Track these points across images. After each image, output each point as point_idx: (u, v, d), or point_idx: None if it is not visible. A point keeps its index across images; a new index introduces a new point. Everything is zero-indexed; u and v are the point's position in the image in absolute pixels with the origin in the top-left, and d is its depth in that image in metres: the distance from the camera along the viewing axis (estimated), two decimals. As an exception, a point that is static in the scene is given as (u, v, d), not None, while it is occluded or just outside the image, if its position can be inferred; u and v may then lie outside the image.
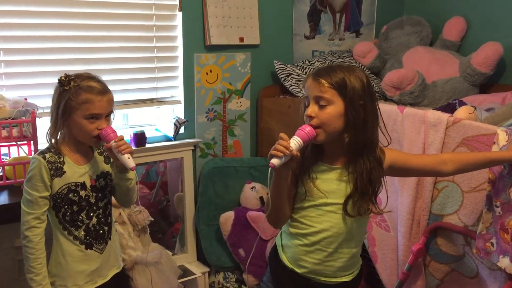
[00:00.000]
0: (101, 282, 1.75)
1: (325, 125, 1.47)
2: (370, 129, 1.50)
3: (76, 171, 1.67)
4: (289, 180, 1.55)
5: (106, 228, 1.75)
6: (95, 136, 1.63)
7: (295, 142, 1.42)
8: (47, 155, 1.63)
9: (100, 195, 1.73)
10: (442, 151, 1.94)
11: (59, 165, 1.64)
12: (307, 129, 1.45)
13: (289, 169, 1.48)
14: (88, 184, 1.70)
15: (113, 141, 1.61)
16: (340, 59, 3.12)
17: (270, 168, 1.43)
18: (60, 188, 1.64)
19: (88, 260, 1.70)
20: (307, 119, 1.49)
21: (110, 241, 1.77)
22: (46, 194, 1.63)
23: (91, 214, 1.71)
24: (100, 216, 1.73)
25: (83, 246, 1.69)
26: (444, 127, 1.93)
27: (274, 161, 1.41)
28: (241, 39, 2.83)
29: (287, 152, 1.39)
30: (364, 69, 3.06)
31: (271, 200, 1.51)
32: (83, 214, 1.69)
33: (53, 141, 1.66)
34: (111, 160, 1.76)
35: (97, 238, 1.72)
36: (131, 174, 1.73)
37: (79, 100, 1.59)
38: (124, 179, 1.72)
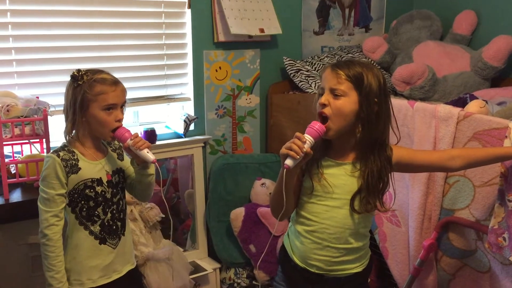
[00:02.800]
0: (115, 277, 1.77)
1: (336, 115, 1.48)
2: (382, 126, 1.51)
3: (92, 167, 1.69)
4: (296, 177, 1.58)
5: (119, 223, 1.77)
6: (113, 130, 1.66)
7: (307, 142, 1.44)
8: (61, 153, 1.65)
9: (115, 191, 1.75)
10: (453, 145, 1.92)
11: (74, 162, 1.66)
12: (316, 126, 1.46)
13: (299, 166, 1.50)
14: (104, 179, 1.72)
15: (129, 140, 1.65)
16: (349, 55, 3.10)
17: (283, 167, 1.45)
18: (76, 184, 1.66)
19: (102, 254, 1.72)
20: (319, 107, 1.50)
21: (123, 237, 1.79)
22: (63, 191, 1.65)
23: (107, 209, 1.73)
24: (114, 212, 1.75)
25: (97, 241, 1.71)
26: (455, 122, 1.91)
27: (289, 163, 1.43)
28: (261, 30, 2.80)
29: (301, 154, 1.42)
30: (374, 64, 3.04)
31: (278, 194, 1.53)
32: (99, 209, 1.71)
33: (70, 137, 1.67)
34: (124, 156, 1.81)
35: (110, 233, 1.74)
36: (152, 170, 1.76)
37: (95, 92, 1.62)
38: (145, 175, 1.76)
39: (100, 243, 1.72)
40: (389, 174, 1.56)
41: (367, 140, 1.50)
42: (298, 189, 1.61)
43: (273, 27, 2.85)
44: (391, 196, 1.96)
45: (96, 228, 1.71)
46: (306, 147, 1.43)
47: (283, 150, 1.43)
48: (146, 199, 1.93)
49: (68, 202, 1.67)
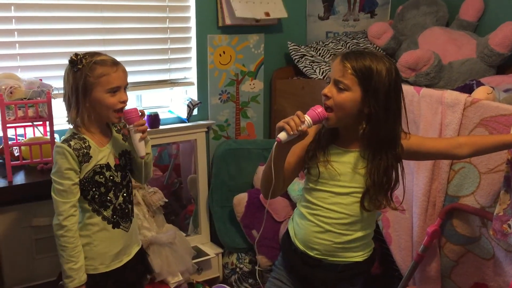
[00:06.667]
0: (126, 259, 1.77)
1: (338, 108, 1.47)
2: (391, 124, 1.48)
3: (100, 153, 1.68)
4: (295, 157, 1.57)
5: (130, 206, 1.78)
6: (117, 110, 1.64)
7: (305, 121, 1.43)
8: (72, 143, 1.62)
9: (123, 173, 1.74)
10: (459, 132, 1.91)
11: (85, 150, 1.64)
12: (318, 109, 1.45)
13: (292, 144, 1.48)
14: (112, 164, 1.70)
15: (132, 125, 1.65)
16: (354, 40, 3.08)
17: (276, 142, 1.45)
18: (87, 172, 1.64)
19: (115, 239, 1.72)
20: (323, 98, 1.50)
21: (133, 219, 1.80)
22: (77, 180, 1.63)
23: (118, 193, 1.72)
24: (125, 195, 1.75)
25: (110, 226, 1.70)
26: (462, 108, 1.90)
27: (281, 136, 1.42)
28: (267, 14, 2.76)
29: (295, 131, 1.40)
30: (379, 50, 3.01)
31: (268, 170, 1.52)
32: (111, 194, 1.70)
33: (77, 123, 1.64)
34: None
35: (123, 217, 1.74)
36: (148, 148, 1.75)
37: (96, 75, 1.59)
38: None
39: (113, 227, 1.71)
40: (399, 171, 1.54)
41: (374, 137, 1.48)
42: (292, 172, 1.61)
43: (278, 10, 2.82)
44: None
45: (109, 213, 1.70)
46: (303, 126, 1.42)
47: (280, 123, 1.42)
48: (144, 180, 1.89)
49: (80, 190, 1.64)
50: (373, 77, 1.43)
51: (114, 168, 1.71)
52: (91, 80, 1.59)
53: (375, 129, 1.47)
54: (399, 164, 1.54)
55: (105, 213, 1.69)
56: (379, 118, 1.45)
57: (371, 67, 1.44)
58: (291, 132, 1.40)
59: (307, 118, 1.43)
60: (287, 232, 1.71)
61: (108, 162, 1.69)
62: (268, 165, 1.53)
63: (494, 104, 1.83)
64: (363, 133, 1.48)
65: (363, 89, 1.44)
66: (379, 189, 1.51)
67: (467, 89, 2.18)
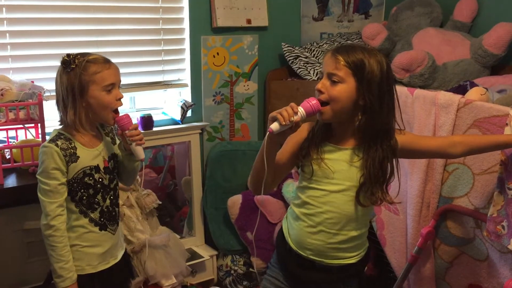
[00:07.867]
0: (113, 262, 1.76)
1: (333, 101, 1.46)
2: (386, 115, 1.48)
3: (90, 154, 1.67)
4: (287, 151, 1.56)
5: (116, 209, 1.77)
6: (115, 110, 1.65)
7: (298, 113, 1.42)
8: (59, 142, 1.61)
9: (111, 176, 1.74)
10: (453, 133, 1.91)
11: (72, 150, 1.63)
12: (312, 101, 1.44)
13: (284, 137, 1.47)
14: (101, 166, 1.70)
15: (127, 131, 1.66)
16: (348, 41, 3.08)
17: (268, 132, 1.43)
18: (76, 173, 1.63)
19: (102, 241, 1.71)
20: (317, 93, 1.48)
21: (120, 222, 1.79)
22: (64, 180, 1.62)
23: (106, 196, 1.71)
24: (112, 198, 1.74)
25: (97, 228, 1.70)
26: (455, 109, 1.90)
27: (273, 127, 1.40)
28: (248, 21, 2.79)
29: (288, 122, 1.39)
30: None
31: (258, 163, 1.51)
32: (99, 196, 1.69)
33: (75, 124, 1.63)
34: (116, 140, 1.80)
35: (110, 220, 1.73)
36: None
37: (91, 72, 1.59)
38: (132, 160, 1.74)
39: (100, 229, 1.70)
40: (394, 164, 1.54)
41: (369, 129, 1.47)
42: (283, 167, 1.59)
43: (261, 18, 2.84)
44: (390, 186, 1.94)
45: (96, 215, 1.69)
46: (296, 117, 1.40)
47: (273, 113, 1.41)
48: (129, 184, 1.92)
49: (68, 191, 1.63)
50: (366, 69, 1.43)
51: (103, 171, 1.70)
52: (86, 79, 1.59)
53: (371, 120, 1.46)
54: (393, 157, 1.53)
55: (92, 215, 1.68)
56: (374, 109, 1.45)
57: (363, 59, 1.44)
58: (284, 123, 1.38)
59: (301, 109, 1.42)
60: (281, 231, 1.70)
61: (97, 164, 1.69)
62: (259, 158, 1.51)
63: (487, 105, 1.83)
64: (359, 125, 1.47)
65: (357, 80, 1.44)
66: (374, 181, 1.50)
67: (461, 90, 2.18)
